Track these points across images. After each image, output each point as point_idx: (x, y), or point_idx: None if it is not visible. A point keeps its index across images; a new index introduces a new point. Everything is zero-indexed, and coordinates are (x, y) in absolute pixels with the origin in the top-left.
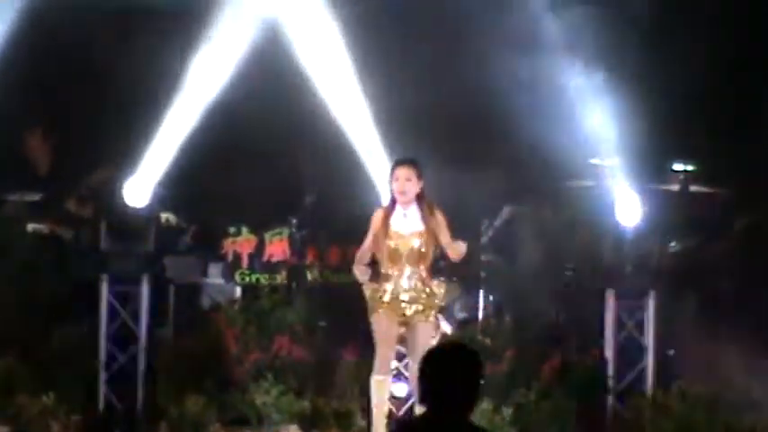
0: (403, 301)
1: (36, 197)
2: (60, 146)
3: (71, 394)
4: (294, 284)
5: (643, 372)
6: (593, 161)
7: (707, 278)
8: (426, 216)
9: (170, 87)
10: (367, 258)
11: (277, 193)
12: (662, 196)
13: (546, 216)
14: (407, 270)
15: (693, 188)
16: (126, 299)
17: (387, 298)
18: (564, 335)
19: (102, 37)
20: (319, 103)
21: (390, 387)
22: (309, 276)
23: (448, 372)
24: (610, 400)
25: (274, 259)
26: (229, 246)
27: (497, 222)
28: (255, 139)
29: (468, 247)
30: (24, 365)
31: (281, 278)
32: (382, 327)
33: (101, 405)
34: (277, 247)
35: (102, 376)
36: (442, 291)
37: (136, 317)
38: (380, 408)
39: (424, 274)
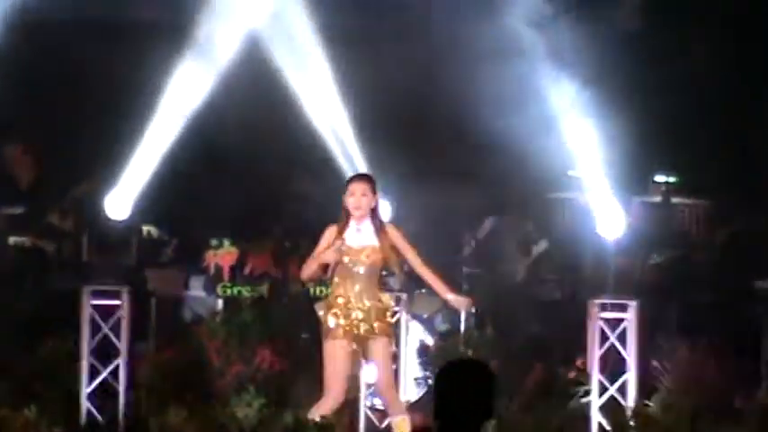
0: (356, 319)
1: (18, 210)
2: (42, 159)
3: (53, 407)
4: (276, 297)
5: (625, 383)
6: (576, 173)
7: (689, 290)
8: (380, 231)
9: (151, 100)
10: (313, 272)
11: (260, 205)
12: (644, 208)
13: (528, 228)
14: (360, 285)
15: (675, 200)
16: (107, 311)
17: (342, 321)
18: (546, 347)
19: (83, 49)
20: (302, 115)
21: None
22: (292, 288)
23: (461, 386)
24: (592, 412)
25: (256, 272)
26: (211, 258)
27: (479, 234)
28: (237, 150)
29: (449, 260)
30: (6, 379)
31: (263, 291)
32: (337, 359)
33: (82, 418)
34: (259, 259)
35: (84, 389)
36: (392, 303)
37: (117, 329)
38: None
39: (376, 289)
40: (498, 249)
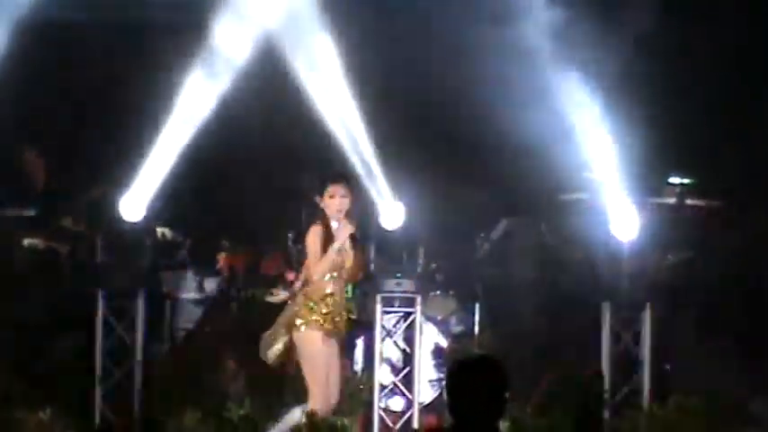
0: (340, 314)
1: (32, 212)
2: (56, 160)
3: (67, 409)
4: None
5: (639, 385)
6: (590, 174)
7: (703, 291)
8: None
9: (166, 101)
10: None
11: (273, 208)
12: (658, 209)
13: (542, 229)
14: (340, 283)
15: (690, 201)
16: (122, 313)
17: (336, 318)
18: (560, 348)
19: (98, 52)
20: (316, 117)
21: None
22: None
23: (474, 383)
24: (606, 413)
25: (270, 273)
26: (225, 260)
27: (494, 236)
28: (252, 152)
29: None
30: (21, 380)
31: (276, 292)
32: (323, 352)
33: (97, 420)
34: (272, 261)
35: (99, 391)
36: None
37: (131, 331)
38: None
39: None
40: (512, 250)
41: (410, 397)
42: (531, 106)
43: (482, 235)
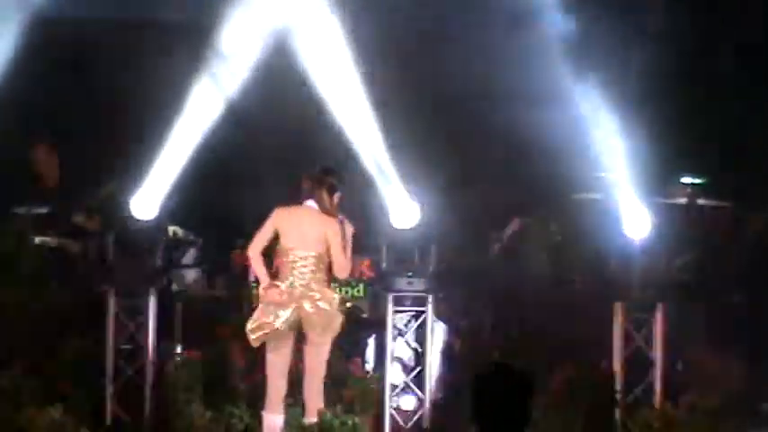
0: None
1: (43, 210)
2: (68, 159)
3: (78, 407)
4: None
5: (651, 385)
6: (602, 174)
7: (715, 291)
8: None
9: (177, 100)
10: None
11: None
12: (670, 209)
13: (554, 229)
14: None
15: (702, 201)
16: (133, 312)
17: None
18: (572, 348)
19: (109, 50)
20: (329, 116)
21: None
22: None
23: (499, 391)
24: (618, 413)
25: None
26: (237, 259)
27: (505, 234)
28: (263, 150)
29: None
30: (32, 379)
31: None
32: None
33: (108, 418)
34: None
35: (110, 389)
36: None
37: (143, 330)
38: None
39: None
40: (524, 250)
41: (421, 396)
42: (544, 106)
43: (494, 233)
